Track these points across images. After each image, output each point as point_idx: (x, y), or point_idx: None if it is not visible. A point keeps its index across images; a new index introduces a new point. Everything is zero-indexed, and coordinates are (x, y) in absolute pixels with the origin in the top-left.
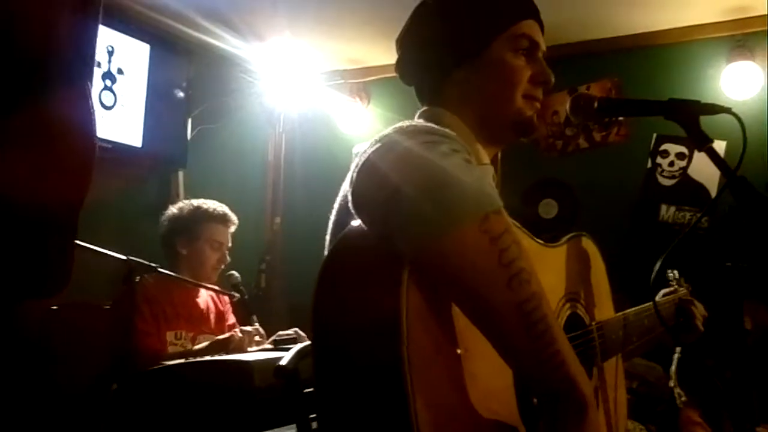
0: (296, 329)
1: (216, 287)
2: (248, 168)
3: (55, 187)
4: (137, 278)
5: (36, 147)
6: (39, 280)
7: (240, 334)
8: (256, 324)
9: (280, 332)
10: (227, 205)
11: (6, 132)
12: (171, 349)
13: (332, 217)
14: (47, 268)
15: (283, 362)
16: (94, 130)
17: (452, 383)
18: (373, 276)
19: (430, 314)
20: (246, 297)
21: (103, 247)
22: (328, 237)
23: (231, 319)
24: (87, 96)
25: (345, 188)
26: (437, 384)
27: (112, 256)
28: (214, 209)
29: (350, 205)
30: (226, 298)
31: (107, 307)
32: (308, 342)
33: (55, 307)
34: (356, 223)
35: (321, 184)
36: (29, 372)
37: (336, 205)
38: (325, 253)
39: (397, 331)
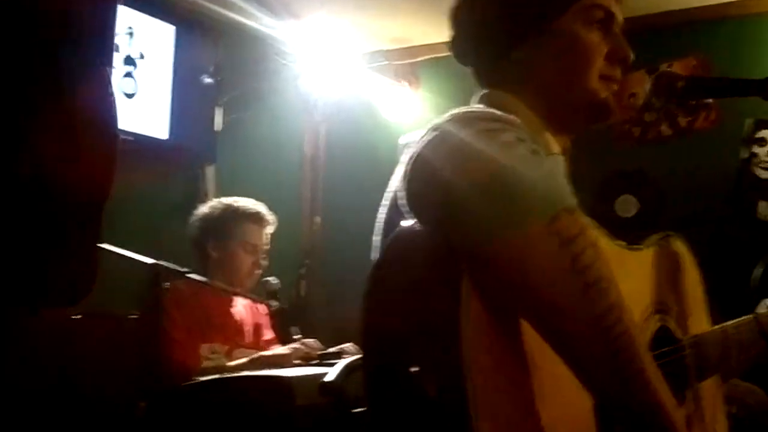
0: (343, 346)
1: (251, 295)
2: (284, 161)
3: (76, 181)
4: (165, 284)
5: (54, 137)
6: (61, 283)
7: (303, 347)
8: (298, 336)
9: (331, 349)
10: (262, 203)
11: (23, 120)
12: (207, 362)
13: (381, 216)
14: (69, 269)
15: (328, 378)
16: (116, 120)
17: (521, 406)
18: (429, 282)
19: (493, 327)
20: (285, 306)
21: (126, 251)
22: (376, 238)
23: (268, 333)
24: (107, 82)
25: (395, 184)
26: (503, 407)
27: (137, 261)
28: (248, 208)
29: (402, 203)
30: (263, 307)
31: (133, 317)
32: (356, 356)
33: (76, 317)
34: (409, 222)
35: (365, 179)
36: (48, 390)
37: (385, 202)
38: (374, 256)
39: (455, 346)
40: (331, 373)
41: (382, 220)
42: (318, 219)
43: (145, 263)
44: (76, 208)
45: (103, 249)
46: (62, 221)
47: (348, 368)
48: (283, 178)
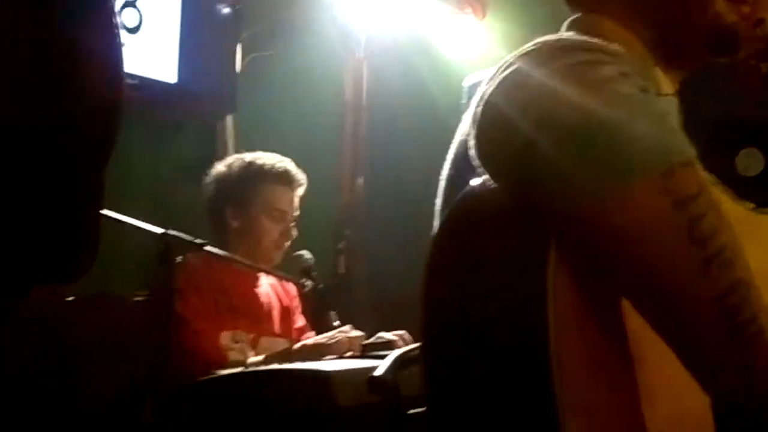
0: (394, 333)
1: (279, 273)
2: (319, 110)
3: (74, 127)
4: (177, 259)
5: (48, 73)
6: (54, 256)
7: (346, 336)
8: (337, 322)
9: (384, 333)
10: (291, 160)
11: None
12: (231, 356)
13: (445, 173)
14: (65, 239)
15: (378, 372)
16: (120, 57)
17: (619, 404)
18: (505, 255)
19: (587, 309)
20: (320, 286)
21: (130, 219)
22: (438, 201)
23: (300, 319)
24: (110, 11)
25: (463, 132)
26: (598, 404)
27: (143, 231)
28: (274, 166)
29: (473, 155)
30: (293, 288)
31: (138, 298)
32: (410, 346)
33: (70, 299)
34: (480, 180)
35: (419, 130)
36: (35, 387)
37: (450, 156)
38: (436, 223)
39: (540, 332)
40: (381, 367)
41: (445, 179)
42: (360, 180)
43: (153, 233)
44: (73, 162)
45: (103, 216)
46: (56, 178)
47: (401, 360)
48: (317, 130)
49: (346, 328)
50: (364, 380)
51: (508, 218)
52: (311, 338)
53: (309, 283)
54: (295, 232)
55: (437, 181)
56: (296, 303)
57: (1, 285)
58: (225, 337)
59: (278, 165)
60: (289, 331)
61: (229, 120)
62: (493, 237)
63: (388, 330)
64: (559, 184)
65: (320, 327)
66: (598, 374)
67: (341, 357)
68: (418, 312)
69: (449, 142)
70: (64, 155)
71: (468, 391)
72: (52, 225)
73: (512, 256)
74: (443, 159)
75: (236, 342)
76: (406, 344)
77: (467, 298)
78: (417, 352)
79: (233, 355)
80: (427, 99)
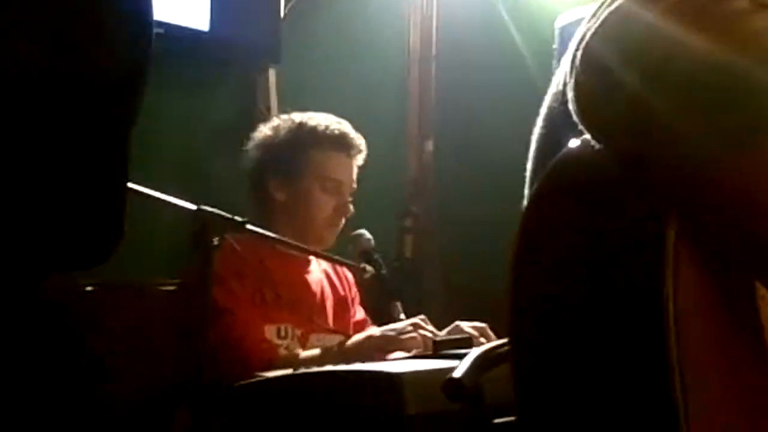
0: (472, 326)
1: (334, 256)
2: (379, 62)
3: (96, 81)
4: (214, 240)
5: (74, 22)
6: (75, 237)
7: (412, 330)
8: (402, 315)
9: (461, 323)
10: (347, 122)
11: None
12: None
13: (536, 134)
14: (87, 217)
15: (456, 374)
16: (148, 3)
17: (754, 416)
18: (613, 233)
19: (716, 301)
20: (383, 272)
21: (158, 193)
22: (528, 167)
23: (359, 311)
24: None
25: (558, 82)
26: (728, 415)
27: (174, 206)
28: (329, 128)
29: (571, 110)
30: (350, 275)
31: (169, 287)
32: (495, 343)
33: (89, 289)
34: (580, 140)
35: (500, 83)
36: (54, 387)
37: (542, 113)
38: (526, 192)
39: (657, 329)
40: (460, 368)
41: (537, 141)
42: (430, 144)
43: (185, 210)
44: (97, 120)
45: (128, 190)
46: (78, 140)
47: (483, 360)
48: (376, 86)
49: (417, 319)
50: (439, 384)
51: (614, 186)
52: (375, 329)
53: (369, 268)
54: (352, 208)
55: (523, 144)
56: (354, 293)
57: (12, 271)
58: (269, 332)
59: (334, 127)
60: (345, 326)
61: (272, 74)
62: (597, 210)
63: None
64: (680, 144)
65: (383, 321)
66: (727, 378)
67: (409, 356)
68: (503, 301)
69: (538, 98)
70: (87, 110)
71: (569, 396)
72: (73, 200)
73: (621, 233)
74: (530, 118)
75: (282, 338)
76: (489, 340)
77: (567, 285)
78: (504, 349)
79: (282, 352)
80: (511, 45)
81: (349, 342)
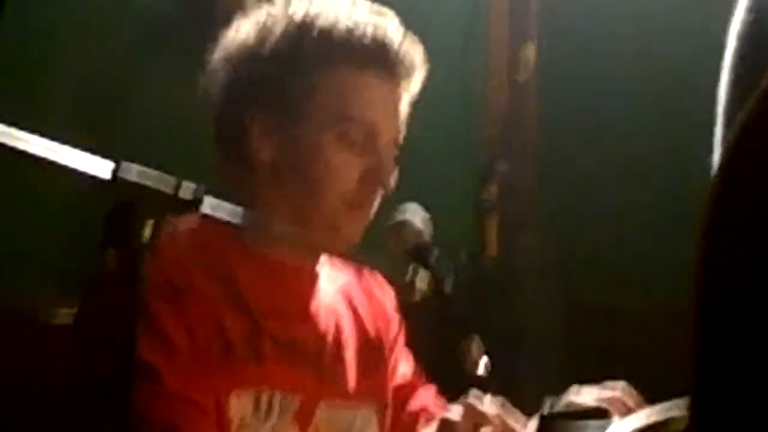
0: (613, 388)
1: (361, 259)
2: None
3: None
4: (145, 228)
5: None
6: None
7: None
8: (485, 359)
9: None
10: (389, 15)
11: None
12: None
13: (738, 26)
14: None
15: None
16: None
17: None
18: None
19: None
20: (448, 287)
21: (54, 146)
22: (721, 103)
23: (402, 363)
24: None
25: None
26: None
27: (74, 169)
28: (353, 30)
29: None
30: (389, 292)
31: (65, 318)
32: (648, 417)
33: None
34: None
35: None
36: None
37: (732, 43)
38: (718, 142)
39: None
40: None
41: (740, 38)
42: (530, 53)
43: (94, 179)
44: None
45: None
46: None
47: None
48: None
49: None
50: None
51: None
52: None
53: (422, 279)
54: (392, 179)
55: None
56: (395, 329)
57: None
58: (240, 404)
59: (364, 28)
60: (377, 389)
61: None
62: None
63: (591, 380)
64: None
65: (446, 371)
66: None
67: None
68: (677, 337)
69: None
70: None
71: None
72: None
73: None
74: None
75: (263, 414)
76: (627, 410)
77: None
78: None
79: None
80: None
81: None
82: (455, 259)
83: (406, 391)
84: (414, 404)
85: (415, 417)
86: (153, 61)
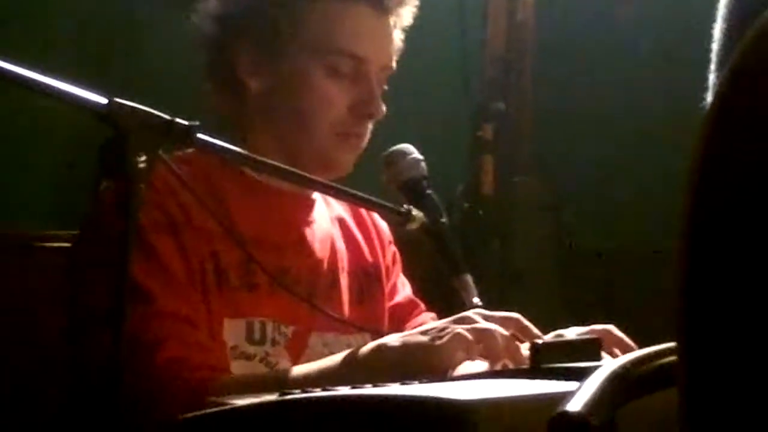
0: (603, 328)
1: (353, 192)
2: None
3: None
4: (140, 159)
5: None
6: None
7: (491, 326)
8: (476, 299)
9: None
10: None
11: None
12: (239, 366)
13: (723, 4)
14: None
15: (574, 404)
16: None
17: None
18: None
19: None
20: (442, 221)
21: (43, 77)
22: (715, 49)
23: (400, 288)
24: None
25: None
26: None
27: (69, 99)
28: None
29: None
30: (384, 225)
31: (62, 243)
32: (644, 351)
33: None
34: None
35: None
36: None
37: None
38: (711, 85)
39: None
40: (581, 394)
41: (726, 13)
42: None
43: (88, 107)
44: None
45: None
46: None
47: (622, 381)
48: None
49: (499, 314)
50: (542, 421)
51: None
52: (421, 326)
53: (416, 213)
54: (383, 107)
55: None
56: (390, 256)
57: None
58: (232, 331)
59: None
60: (374, 315)
61: None
62: None
63: (586, 321)
64: None
65: (444, 306)
66: None
67: (491, 373)
68: (664, 285)
69: None
70: None
71: None
72: None
73: None
74: None
75: (256, 342)
76: (623, 350)
77: None
78: (664, 360)
79: (248, 370)
80: None
81: (359, 353)
82: (450, 197)
83: (406, 309)
84: (414, 322)
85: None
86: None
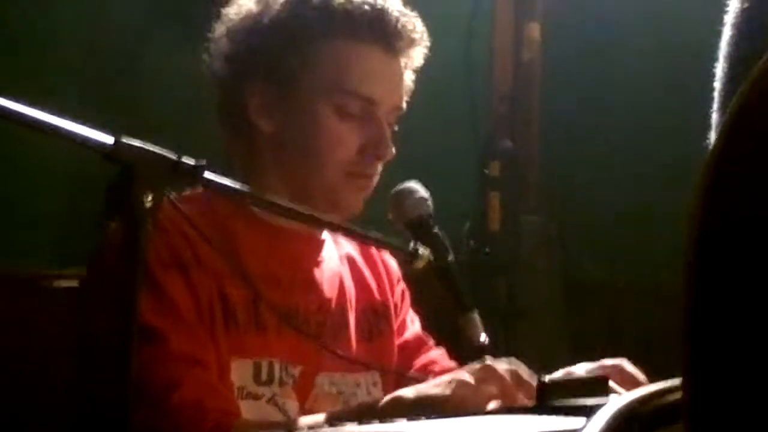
0: (613, 364)
1: (362, 231)
2: None
3: None
4: (146, 199)
5: None
6: None
7: (501, 372)
8: (483, 336)
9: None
10: None
11: None
12: (246, 406)
13: (733, 14)
14: None
15: None
16: None
17: None
18: None
19: None
20: (450, 259)
21: (51, 117)
22: (717, 87)
23: (410, 325)
24: None
25: None
26: None
27: (76, 140)
28: (347, 0)
29: None
30: (392, 263)
31: (68, 283)
32: (652, 387)
33: None
34: None
35: None
36: None
37: (733, 15)
38: (714, 123)
39: None
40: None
41: (736, 26)
42: (534, 31)
43: (95, 147)
44: None
45: None
46: None
47: (632, 417)
48: None
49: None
50: None
51: None
52: (432, 378)
53: (424, 252)
54: (392, 148)
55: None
56: (399, 293)
57: None
58: (239, 372)
59: (361, 0)
60: (383, 354)
61: None
62: None
63: (593, 356)
64: None
65: (454, 340)
66: None
67: (499, 410)
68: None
69: None
70: None
71: None
72: None
73: None
74: None
75: (263, 383)
76: (634, 386)
77: None
78: (672, 398)
79: (256, 411)
80: None
81: (374, 404)
82: (457, 234)
83: (414, 346)
84: (423, 359)
85: (423, 370)
86: (157, 35)
